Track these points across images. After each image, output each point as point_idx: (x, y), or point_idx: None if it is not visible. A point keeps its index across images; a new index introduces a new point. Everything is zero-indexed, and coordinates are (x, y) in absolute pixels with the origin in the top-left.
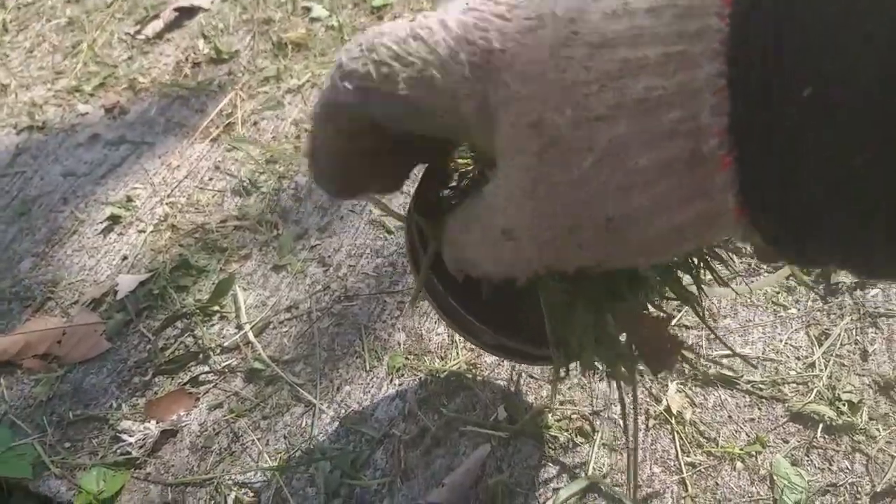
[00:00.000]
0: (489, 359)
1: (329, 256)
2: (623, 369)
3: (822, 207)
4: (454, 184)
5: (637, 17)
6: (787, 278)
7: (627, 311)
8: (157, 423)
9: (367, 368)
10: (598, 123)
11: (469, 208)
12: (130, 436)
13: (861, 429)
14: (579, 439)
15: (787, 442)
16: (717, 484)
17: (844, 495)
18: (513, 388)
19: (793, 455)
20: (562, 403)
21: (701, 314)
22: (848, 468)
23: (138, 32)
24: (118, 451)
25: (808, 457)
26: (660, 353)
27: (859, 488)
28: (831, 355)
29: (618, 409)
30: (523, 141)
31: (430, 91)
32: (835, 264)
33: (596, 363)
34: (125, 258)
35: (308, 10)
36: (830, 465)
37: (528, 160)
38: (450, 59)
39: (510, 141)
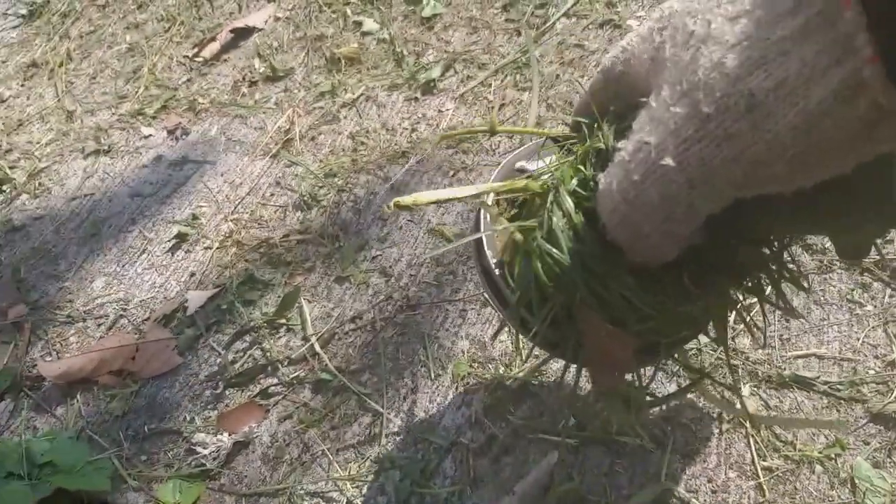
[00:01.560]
0: (555, 365)
1: (390, 266)
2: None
3: None
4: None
5: None
6: (863, 274)
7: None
8: (230, 434)
9: (432, 377)
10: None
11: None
12: (204, 448)
13: None
14: (650, 445)
15: (867, 444)
16: (796, 488)
17: None
18: (580, 394)
19: (874, 457)
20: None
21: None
22: None
23: (196, 55)
24: (193, 462)
25: (890, 458)
26: (605, 368)
27: None
28: None
29: (690, 414)
30: (674, 48)
31: (625, 71)
32: None
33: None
34: (193, 274)
35: (359, 24)
36: None
37: (675, 60)
38: (642, 48)
39: (665, 64)
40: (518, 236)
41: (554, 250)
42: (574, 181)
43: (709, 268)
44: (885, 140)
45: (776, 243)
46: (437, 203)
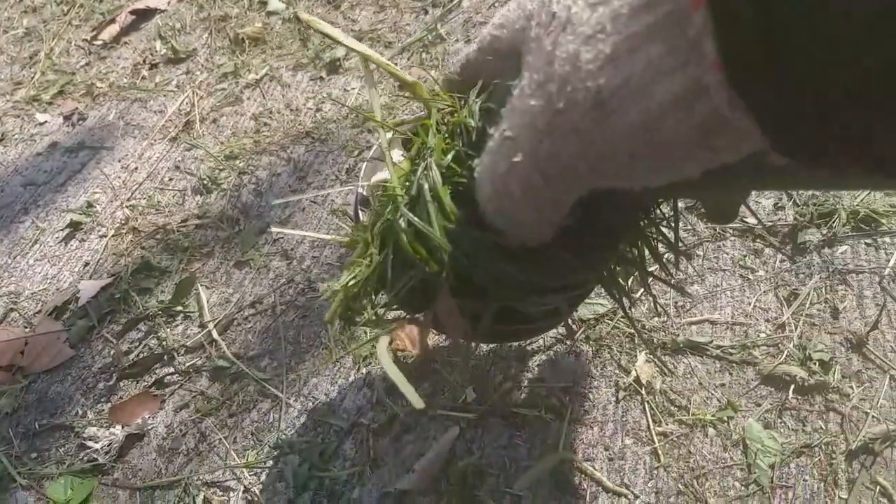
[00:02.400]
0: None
1: (292, 249)
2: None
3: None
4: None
5: None
6: (755, 241)
7: None
8: (123, 427)
9: (334, 359)
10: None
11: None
12: (96, 442)
13: (834, 387)
14: (549, 416)
15: (759, 405)
16: (690, 452)
17: (819, 455)
18: (481, 370)
19: (765, 418)
20: (531, 381)
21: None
22: (822, 428)
23: (95, 38)
24: (85, 458)
25: (780, 419)
26: (452, 327)
27: (834, 447)
28: (801, 315)
29: (587, 382)
30: (538, 32)
31: (504, 39)
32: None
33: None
34: (87, 264)
35: (264, 4)
36: (804, 425)
37: (537, 46)
38: (520, 24)
39: (531, 46)
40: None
41: (420, 223)
42: (449, 156)
43: (586, 239)
44: (723, 149)
45: (651, 209)
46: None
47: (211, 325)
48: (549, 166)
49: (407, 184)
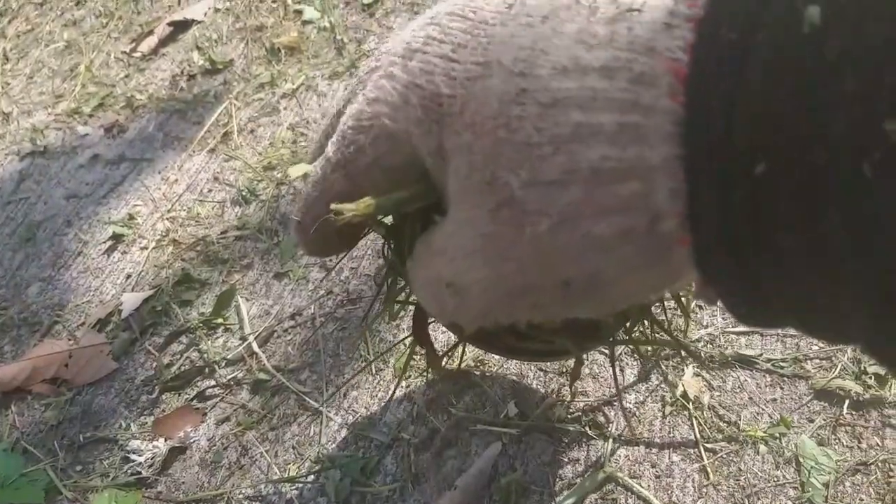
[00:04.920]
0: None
1: (330, 260)
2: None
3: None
4: None
5: (589, 77)
6: None
7: None
8: (166, 440)
9: (374, 372)
10: (552, 188)
11: (419, 249)
12: (140, 455)
13: (890, 402)
14: (593, 431)
15: (812, 421)
16: (741, 469)
17: (876, 473)
18: (522, 383)
19: (819, 434)
20: (573, 396)
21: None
22: (878, 445)
23: (134, 50)
24: (129, 471)
25: (835, 435)
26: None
27: (891, 465)
28: None
29: (632, 397)
30: (476, 196)
31: (389, 140)
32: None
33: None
34: (129, 276)
35: (300, 13)
36: (859, 442)
37: (481, 216)
38: (402, 104)
39: (463, 193)
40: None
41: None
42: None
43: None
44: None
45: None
46: None
47: (251, 338)
48: (504, 318)
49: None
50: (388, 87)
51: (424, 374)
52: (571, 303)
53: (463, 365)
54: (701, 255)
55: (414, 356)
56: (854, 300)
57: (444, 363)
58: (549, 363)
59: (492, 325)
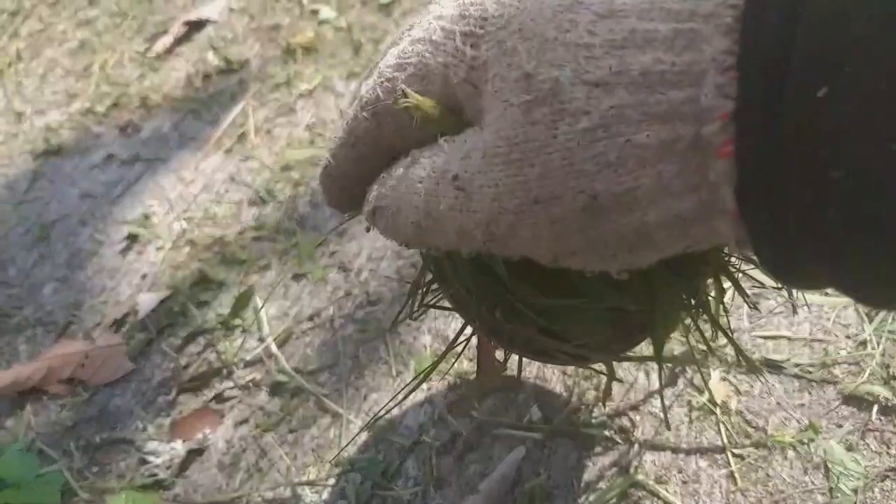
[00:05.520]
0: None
1: (349, 261)
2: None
3: (824, 219)
4: None
5: None
6: None
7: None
8: (183, 442)
9: (394, 374)
10: (597, 89)
11: (416, 153)
12: (157, 457)
13: None
14: (618, 436)
15: (840, 426)
16: (769, 475)
17: None
18: (545, 387)
19: (847, 440)
20: (598, 400)
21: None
22: None
23: (148, 49)
24: (146, 472)
25: (864, 441)
26: (486, 370)
27: None
28: (883, 331)
29: (659, 402)
30: (509, 93)
31: (425, 81)
32: (821, 284)
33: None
34: (145, 277)
35: (316, 12)
36: (889, 448)
37: (511, 114)
38: (444, 38)
39: (494, 94)
40: None
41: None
42: None
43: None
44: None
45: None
46: None
47: (269, 339)
48: (503, 239)
49: None
50: (435, 25)
51: (445, 376)
52: (592, 226)
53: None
54: (741, 164)
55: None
56: None
57: (498, 373)
58: (575, 367)
59: (483, 249)
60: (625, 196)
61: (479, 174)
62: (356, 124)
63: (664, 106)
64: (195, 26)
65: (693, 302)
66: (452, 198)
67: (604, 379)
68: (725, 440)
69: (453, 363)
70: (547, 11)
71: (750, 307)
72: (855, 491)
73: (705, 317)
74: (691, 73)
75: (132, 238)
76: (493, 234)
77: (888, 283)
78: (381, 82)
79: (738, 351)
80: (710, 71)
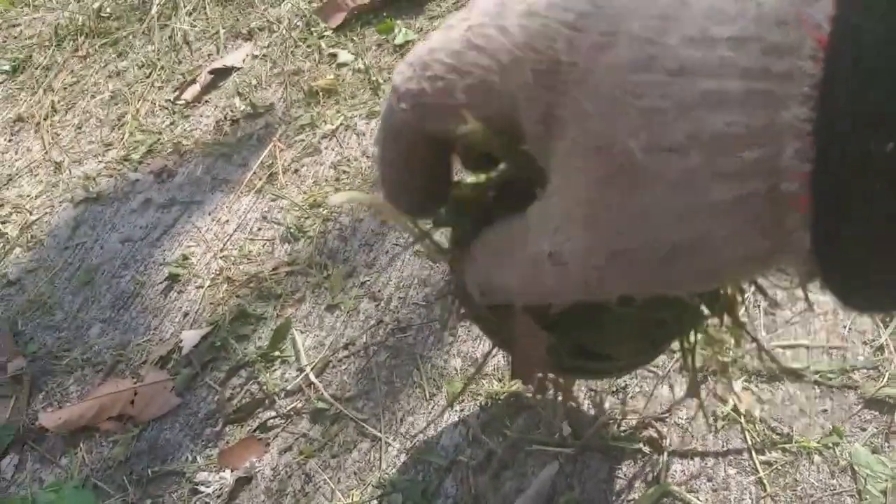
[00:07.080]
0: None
1: (379, 291)
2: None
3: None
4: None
5: (719, 47)
6: None
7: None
8: (232, 471)
9: (428, 397)
10: (672, 154)
11: (503, 230)
12: (207, 486)
13: None
14: (647, 448)
15: (864, 430)
16: (797, 480)
17: None
18: (574, 403)
19: (872, 443)
20: (625, 413)
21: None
22: None
23: (178, 98)
24: (197, 502)
25: (888, 443)
26: (524, 363)
27: None
28: None
29: (683, 413)
30: (588, 163)
31: (488, 97)
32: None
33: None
34: (186, 314)
35: (334, 56)
36: None
37: (591, 184)
38: (512, 64)
39: (572, 161)
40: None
41: None
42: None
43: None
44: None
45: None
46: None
47: (308, 369)
48: (594, 292)
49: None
50: (501, 41)
51: (476, 397)
52: (668, 271)
53: (515, 388)
54: (819, 212)
55: (474, 381)
56: None
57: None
58: (600, 380)
59: (587, 296)
60: (700, 243)
61: (568, 242)
62: (394, 118)
63: (738, 166)
64: (220, 74)
65: (715, 307)
66: (556, 273)
67: (630, 392)
68: (752, 447)
69: (483, 384)
70: (620, 71)
71: (770, 306)
72: (884, 492)
73: (729, 320)
74: (767, 133)
75: (172, 278)
76: (589, 289)
77: None
78: (430, 76)
79: (762, 350)
80: (787, 134)
